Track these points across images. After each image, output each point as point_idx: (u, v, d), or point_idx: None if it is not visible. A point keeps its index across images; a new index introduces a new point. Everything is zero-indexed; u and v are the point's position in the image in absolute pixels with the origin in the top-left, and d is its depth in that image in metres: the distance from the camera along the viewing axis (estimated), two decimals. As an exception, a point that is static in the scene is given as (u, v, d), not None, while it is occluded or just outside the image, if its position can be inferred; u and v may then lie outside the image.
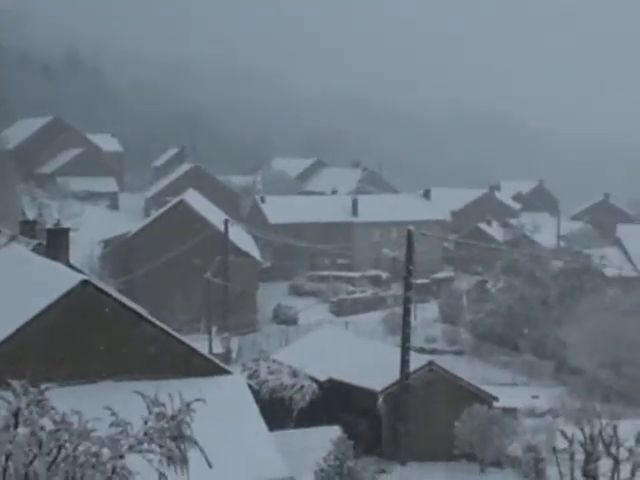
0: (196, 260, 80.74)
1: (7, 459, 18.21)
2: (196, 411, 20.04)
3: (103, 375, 31.74)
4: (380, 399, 47.38)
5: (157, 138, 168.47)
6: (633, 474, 31.48)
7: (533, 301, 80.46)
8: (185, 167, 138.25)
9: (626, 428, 32.49)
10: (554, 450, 33.61)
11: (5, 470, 18.21)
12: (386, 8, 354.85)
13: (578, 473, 32.48)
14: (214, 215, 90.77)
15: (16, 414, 18.57)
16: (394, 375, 47.48)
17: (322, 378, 49.07)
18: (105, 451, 18.88)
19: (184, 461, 19.68)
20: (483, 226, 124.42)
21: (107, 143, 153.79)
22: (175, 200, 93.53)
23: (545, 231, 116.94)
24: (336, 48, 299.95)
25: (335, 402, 47.75)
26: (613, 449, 32.11)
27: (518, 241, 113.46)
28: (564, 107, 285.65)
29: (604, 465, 32.33)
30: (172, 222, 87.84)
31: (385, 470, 41.03)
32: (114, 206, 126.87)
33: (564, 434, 33.22)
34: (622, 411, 48.38)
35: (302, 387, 48.46)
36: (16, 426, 18.53)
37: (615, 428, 32.52)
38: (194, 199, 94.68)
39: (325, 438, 35.75)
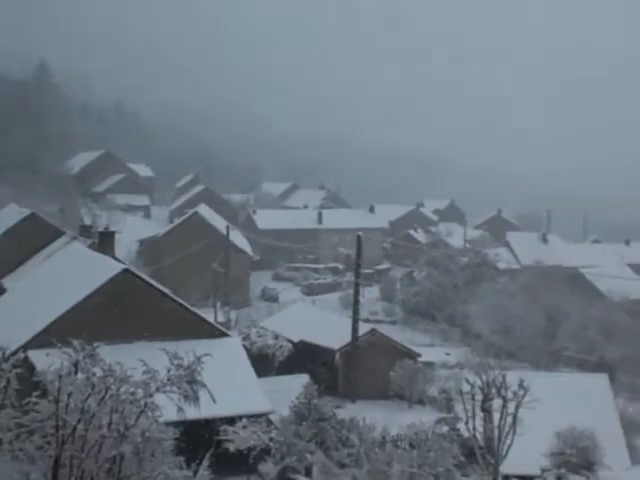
0: (206, 255, 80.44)
1: (69, 397, 18.20)
2: (205, 363, 20.06)
3: (138, 337, 31.71)
4: (337, 355, 47.53)
5: (179, 166, 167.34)
6: (516, 409, 31.73)
7: (447, 286, 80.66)
8: (198, 188, 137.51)
9: (512, 377, 32.69)
10: (461, 392, 33.73)
11: (67, 405, 18.20)
12: (347, 62, 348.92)
13: (478, 409, 32.66)
14: (219, 222, 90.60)
15: (75, 364, 18.54)
16: (347, 338, 47.65)
17: (296, 340, 49.14)
18: (139, 391, 18.87)
19: (196, 399, 19.70)
20: (412, 232, 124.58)
21: (142, 170, 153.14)
22: (191, 212, 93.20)
23: (455, 236, 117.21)
24: (313, 97, 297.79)
25: (305, 357, 47.82)
26: (502, 392, 32.30)
27: (437, 243, 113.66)
28: (472, 140, 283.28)
29: (496, 403, 32.52)
30: (189, 227, 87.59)
31: (340, 406, 41.03)
32: (147, 216, 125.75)
33: (468, 381, 33.35)
34: (509, 365, 48.79)
35: (281, 346, 48.50)
36: (75, 373, 18.51)
37: (504, 377, 32.68)
38: (205, 211, 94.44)
39: (297, 383, 35.76)
